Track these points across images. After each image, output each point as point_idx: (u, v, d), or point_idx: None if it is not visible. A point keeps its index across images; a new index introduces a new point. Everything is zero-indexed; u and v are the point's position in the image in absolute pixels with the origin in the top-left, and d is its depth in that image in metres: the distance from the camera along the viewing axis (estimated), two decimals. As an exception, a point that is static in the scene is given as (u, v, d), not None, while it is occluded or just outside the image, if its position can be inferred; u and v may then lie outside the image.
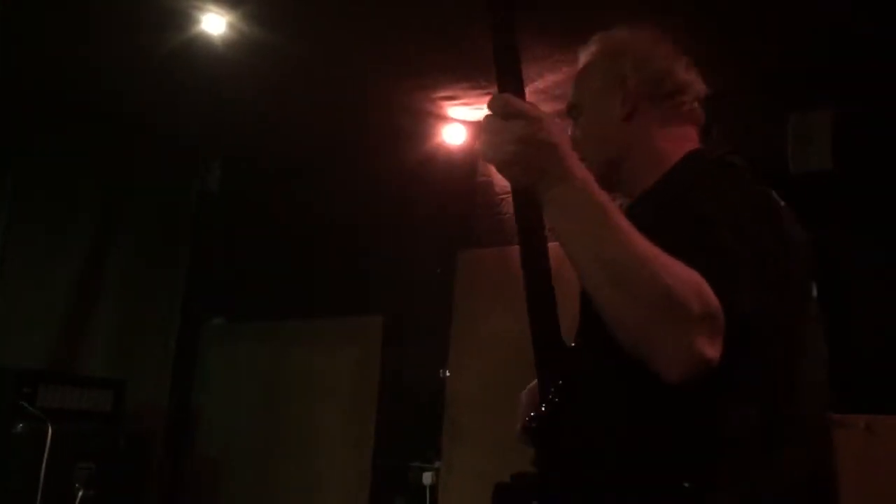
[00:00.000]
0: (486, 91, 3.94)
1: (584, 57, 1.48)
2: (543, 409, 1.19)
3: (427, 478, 4.10)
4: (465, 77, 3.86)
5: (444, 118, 4.35)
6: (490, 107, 1.10)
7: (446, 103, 4.18)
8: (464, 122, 4.38)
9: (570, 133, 1.45)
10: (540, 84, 3.80)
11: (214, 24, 3.50)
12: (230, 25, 3.51)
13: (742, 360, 1.06)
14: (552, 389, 1.18)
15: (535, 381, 1.23)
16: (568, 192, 1.07)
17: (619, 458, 1.13)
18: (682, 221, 1.13)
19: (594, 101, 1.42)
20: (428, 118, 4.34)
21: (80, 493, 3.68)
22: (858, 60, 3.35)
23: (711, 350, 1.00)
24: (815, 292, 1.27)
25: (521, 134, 1.07)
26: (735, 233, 1.09)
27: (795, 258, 1.20)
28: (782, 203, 1.25)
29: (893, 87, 3.33)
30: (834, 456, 1.24)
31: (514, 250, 1.22)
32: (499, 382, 3.90)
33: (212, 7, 3.42)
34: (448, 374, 4.17)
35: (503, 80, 1.16)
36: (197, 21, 3.50)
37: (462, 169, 4.45)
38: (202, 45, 3.63)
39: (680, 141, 1.36)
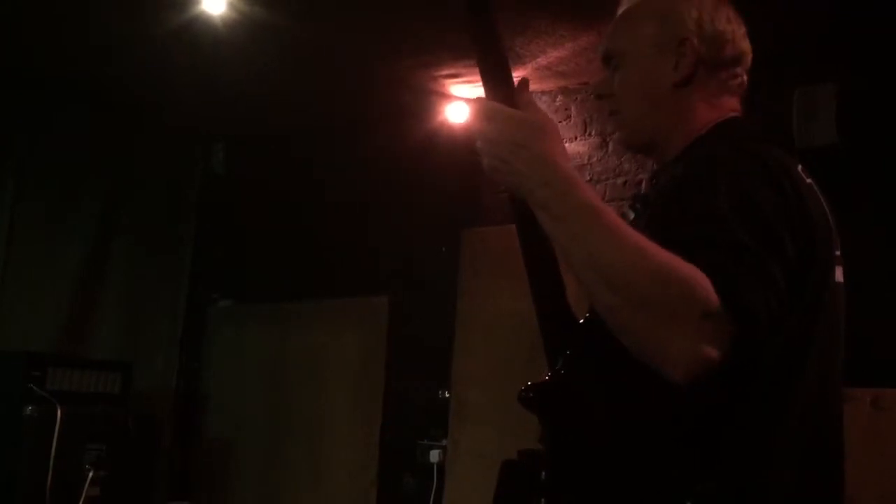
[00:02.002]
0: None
1: None
2: (547, 378, 1.13)
3: (434, 455, 4.13)
4: (467, 55, 3.83)
5: (447, 96, 4.33)
6: (470, 112, 1.10)
7: (449, 81, 4.15)
8: (467, 100, 4.36)
9: (602, 82, 1.33)
10: (542, 60, 3.78)
11: (215, 3, 3.48)
12: (230, 5, 3.49)
13: (748, 367, 1.02)
14: (560, 360, 1.13)
15: None
16: (553, 195, 1.01)
17: (616, 465, 1.09)
18: (692, 208, 1.05)
19: (642, 56, 1.27)
20: (431, 96, 4.32)
21: (90, 475, 3.71)
22: (863, 35, 3.32)
23: (715, 351, 0.95)
24: (837, 276, 1.17)
25: (496, 139, 1.06)
26: (748, 225, 1.01)
27: (815, 244, 1.10)
28: (808, 180, 1.16)
29: (899, 60, 3.31)
30: (842, 461, 1.16)
31: (519, 229, 1.18)
32: (505, 360, 3.90)
33: (212, -13, 3.41)
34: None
35: (486, 83, 1.12)
36: (197, 1, 3.48)
37: (465, 147, 4.43)
38: (203, 26, 3.61)
39: (721, 112, 1.26)
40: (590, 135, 4.11)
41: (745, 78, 1.30)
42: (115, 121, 4.71)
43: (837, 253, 1.19)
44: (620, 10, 1.33)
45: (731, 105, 1.28)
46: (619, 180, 3.96)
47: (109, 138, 4.76)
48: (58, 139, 4.56)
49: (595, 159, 4.06)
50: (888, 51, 3.31)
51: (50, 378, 3.81)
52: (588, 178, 4.04)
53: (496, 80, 1.12)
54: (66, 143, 4.60)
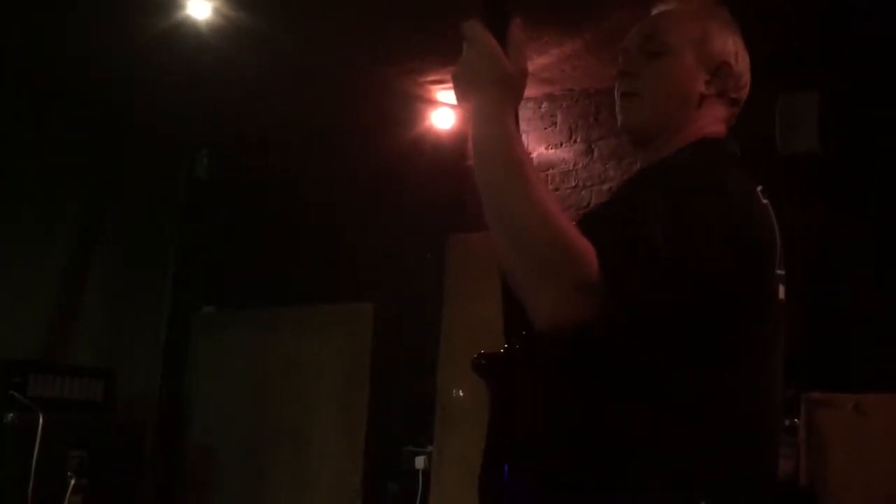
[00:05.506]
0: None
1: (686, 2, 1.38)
2: (503, 350, 1.25)
3: (419, 462, 4.12)
4: (453, 61, 3.82)
5: (433, 102, 4.33)
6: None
7: (434, 87, 4.16)
8: (452, 106, 4.37)
9: (632, 61, 1.36)
10: (528, 66, 3.79)
11: (200, 8, 3.48)
12: (216, 10, 3.48)
13: (682, 350, 1.10)
14: (516, 338, 1.24)
15: None
16: (490, 137, 1.12)
17: (556, 430, 1.16)
18: (630, 197, 1.17)
19: (686, 56, 1.32)
20: (416, 102, 4.32)
21: (73, 482, 3.68)
22: (845, 42, 3.35)
23: (579, 316, 1.03)
24: (780, 294, 1.24)
25: (465, 64, 1.22)
26: (671, 223, 1.07)
27: (757, 259, 1.17)
28: (765, 201, 1.23)
29: (880, 69, 3.34)
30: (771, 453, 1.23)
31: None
32: (490, 366, 3.90)
33: (197, -8, 3.40)
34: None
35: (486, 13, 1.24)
36: (182, 6, 3.47)
37: (451, 153, 4.44)
38: (188, 30, 3.60)
39: (710, 130, 1.33)
40: (575, 141, 4.12)
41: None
42: (99, 126, 4.68)
43: (781, 272, 1.25)
44: (668, 6, 1.38)
45: (721, 130, 1.35)
46: (605, 186, 3.98)
47: (93, 143, 4.73)
48: (41, 144, 4.53)
49: (580, 165, 4.08)
50: (870, 59, 3.34)
51: (32, 385, 3.79)
52: (573, 184, 4.06)
53: (493, 17, 1.25)
54: (50, 149, 4.56)
